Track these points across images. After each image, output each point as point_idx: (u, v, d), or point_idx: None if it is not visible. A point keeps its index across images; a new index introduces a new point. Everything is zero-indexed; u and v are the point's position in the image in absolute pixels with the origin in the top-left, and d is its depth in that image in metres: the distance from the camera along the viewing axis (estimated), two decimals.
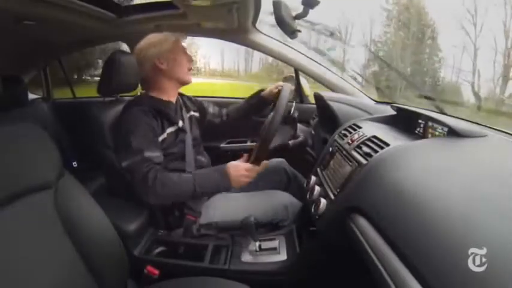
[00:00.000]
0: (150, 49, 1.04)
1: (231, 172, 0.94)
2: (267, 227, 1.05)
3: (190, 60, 1.09)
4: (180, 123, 1.06)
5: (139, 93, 1.15)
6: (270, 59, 1.58)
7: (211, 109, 1.30)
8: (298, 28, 0.90)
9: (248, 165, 0.95)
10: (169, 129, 1.02)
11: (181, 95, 1.20)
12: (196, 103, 1.26)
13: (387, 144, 0.66)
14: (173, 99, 1.10)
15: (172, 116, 1.05)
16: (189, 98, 1.25)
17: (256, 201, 1.08)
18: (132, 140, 0.91)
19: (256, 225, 0.90)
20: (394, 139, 0.70)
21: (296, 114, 1.05)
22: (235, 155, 1.41)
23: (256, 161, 0.97)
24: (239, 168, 0.95)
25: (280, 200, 1.09)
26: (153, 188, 0.89)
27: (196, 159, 1.10)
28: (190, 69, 1.10)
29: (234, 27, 1.31)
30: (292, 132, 1.08)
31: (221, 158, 1.38)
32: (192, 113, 1.19)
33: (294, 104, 1.06)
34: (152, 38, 1.07)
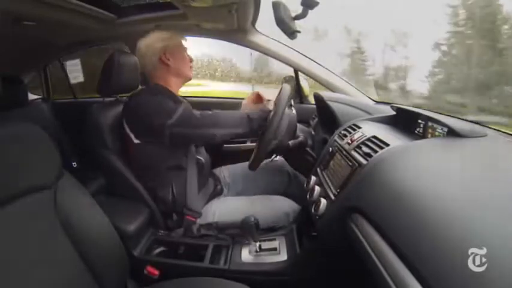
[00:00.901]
0: (157, 43, 1.04)
1: None
2: (267, 230, 1.05)
3: (190, 59, 1.11)
4: None
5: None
6: None
7: None
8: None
9: None
10: None
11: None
12: None
13: (387, 145, 0.66)
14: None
15: (180, 100, 1.06)
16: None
17: (257, 206, 1.07)
18: (165, 103, 0.95)
19: (256, 226, 0.90)
20: (394, 139, 0.70)
21: (301, 138, 1.06)
22: (235, 155, 1.42)
23: (255, 161, 0.97)
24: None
25: (282, 206, 1.09)
26: (210, 120, 0.94)
27: (195, 159, 1.10)
28: (190, 67, 1.12)
29: (234, 28, 1.31)
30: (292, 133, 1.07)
31: (221, 158, 1.38)
32: None
33: (293, 110, 1.05)
34: (159, 33, 1.07)
